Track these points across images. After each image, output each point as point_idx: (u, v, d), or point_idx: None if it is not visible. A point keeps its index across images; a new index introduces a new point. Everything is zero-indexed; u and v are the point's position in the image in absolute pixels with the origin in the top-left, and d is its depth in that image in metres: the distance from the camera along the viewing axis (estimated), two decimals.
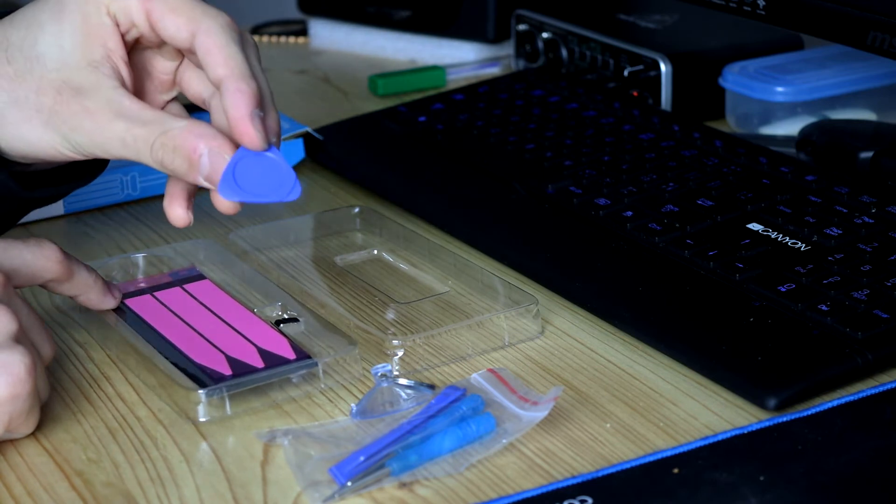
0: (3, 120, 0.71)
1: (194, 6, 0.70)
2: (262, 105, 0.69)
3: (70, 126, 0.70)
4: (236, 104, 0.68)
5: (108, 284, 0.77)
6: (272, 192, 0.69)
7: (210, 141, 0.68)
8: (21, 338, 0.66)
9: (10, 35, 0.72)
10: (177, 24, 0.70)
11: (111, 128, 0.69)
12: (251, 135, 0.68)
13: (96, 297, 0.76)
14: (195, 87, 0.75)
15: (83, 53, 0.70)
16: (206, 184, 0.70)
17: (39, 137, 0.71)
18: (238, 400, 0.70)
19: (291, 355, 0.72)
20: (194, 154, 0.68)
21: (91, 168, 0.78)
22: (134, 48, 0.74)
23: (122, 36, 0.72)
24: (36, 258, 0.71)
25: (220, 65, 0.68)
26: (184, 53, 0.74)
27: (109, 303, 0.77)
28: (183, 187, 0.74)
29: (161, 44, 0.73)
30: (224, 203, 0.71)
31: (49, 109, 0.70)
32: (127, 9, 0.71)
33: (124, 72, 0.71)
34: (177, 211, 0.74)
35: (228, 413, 0.69)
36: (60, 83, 0.70)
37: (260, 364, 0.71)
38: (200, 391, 0.69)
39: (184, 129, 0.69)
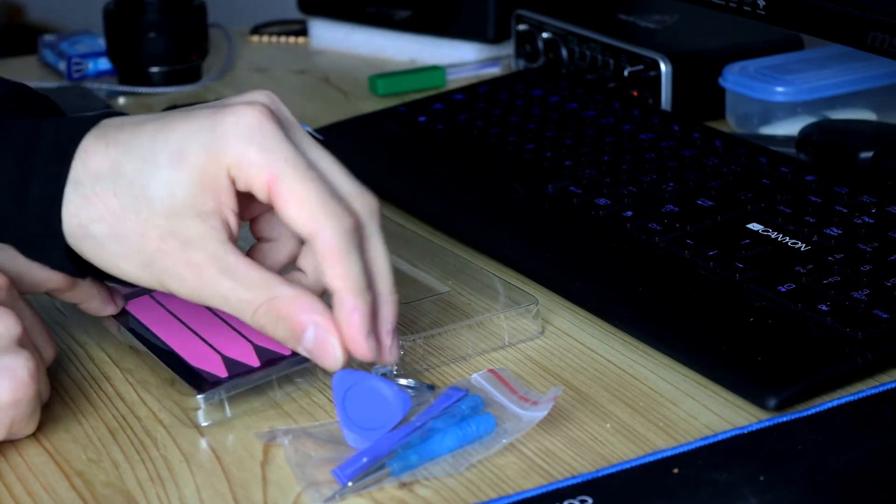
0: (101, 249, 0.67)
1: (322, 204, 0.65)
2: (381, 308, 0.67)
3: (170, 275, 0.66)
4: (351, 323, 0.65)
5: (110, 291, 0.76)
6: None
7: (318, 317, 0.65)
8: (24, 341, 0.66)
9: (124, 165, 0.66)
10: (300, 218, 0.65)
11: (215, 284, 0.65)
12: (367, 352, 0.65)
13: (98, 305, 0.75)
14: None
15: (194, 203, 0.65)
16: (305, 353, 0.66)
17: (136, 276, 0.67)
18: (237, 401, 0.70)
19: (287, 352, 0.72)
20: (299, 328, 0.65)
21: None
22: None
23: (237, 191, 0.67)
24: (40, 267, 0.70)
25: (337, 277, 0.65)
26: None
27: (111, 310, 0.76)
28: (290, 248, 0.71)
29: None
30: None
31: (151, 255, 0.65)
32: (249, 179, 0.65)
33: (234, 225, 0.66)
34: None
35: (228, 415, 0.69)
36: (167, 231, 0.65)
37: (256, 363, 0.71)
38: (199, 396, 0.68)
39: (291, 298, 0.65)
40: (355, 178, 0.69)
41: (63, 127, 0.67)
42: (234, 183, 0.66)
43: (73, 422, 0.70)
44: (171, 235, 0.65)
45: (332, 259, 0.64)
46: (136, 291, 0.80)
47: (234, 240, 0.67)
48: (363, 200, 0.68)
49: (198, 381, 0.70)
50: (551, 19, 1.21)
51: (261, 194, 0.65)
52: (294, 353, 0.72)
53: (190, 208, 0.65)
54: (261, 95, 0.69)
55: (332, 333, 0.65)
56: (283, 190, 0.64)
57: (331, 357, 0.65)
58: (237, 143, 0.65)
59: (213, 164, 0.65)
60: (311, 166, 0.66)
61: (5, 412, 0.65)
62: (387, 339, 0.67)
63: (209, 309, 0.77)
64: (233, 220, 0.66)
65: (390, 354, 0.67)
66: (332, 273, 0.64)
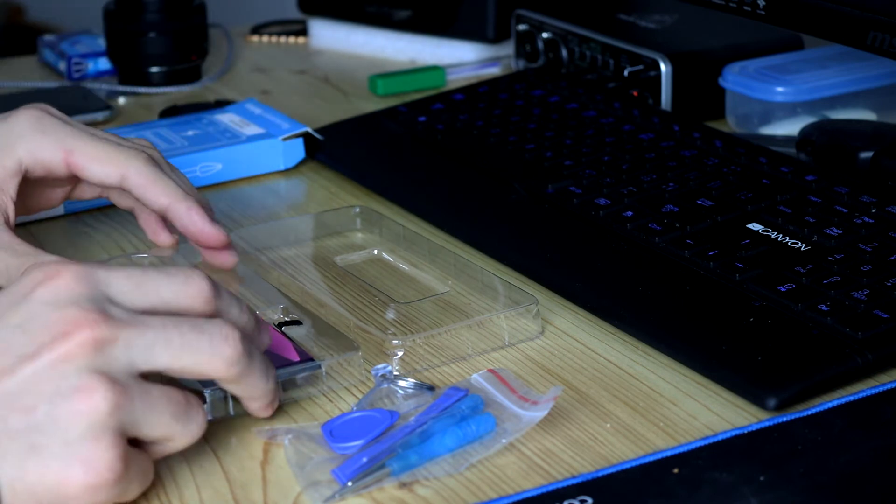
0: None
1: (117, 152, 0.77)
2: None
3: None
4: (193, 220, 0.77)
5: (258, 319, 0.68)
6: (371, 429, 0.68)
7: None
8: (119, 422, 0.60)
9: None
10: (105, 171, 0.77)
11: None
12: (215, 237, 0.78)
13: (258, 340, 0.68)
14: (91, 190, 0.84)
15: None
16: None
17: None
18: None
19: (295, 357, 0.72)
20: None
21: None
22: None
23: (24, 175, 0.78)
24: (179, 296, 0.63)
25: (159, 195, 0.77)
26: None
27: (265, 342, 0.69)
28: (153, 217, 0.83)
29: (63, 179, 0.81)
30: None
31: None
32: (45, 161, 0.77)
33: (10, 210, 0.77)
34: (161, 237, 0.83)
35: (231, 413, 0.69)
36: None
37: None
38: (206, 391, 0.68)
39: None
40: (128, 138, 0.82)
41: None
42: (24, 172, 0.77)
43: None
44: None
45: (149, 184, 0.76)
46: None
47: (10, 224, 0.77)
48: (143, 144, 0.81)
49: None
50: (551, 19, 1.21)
51: (61, 170, 0.77)
52: (302, 360, 0.72)
53: None
54: (33, 105, 0.80)
55: None
56: (79, 156, 0.76)
57: None
58: (26, 136, 0.77)
59: (8, 159, 0.77)
60: (94, 132, 0.78)
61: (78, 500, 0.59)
62: (214, 227, 0.79)
63: None
64: (10, 207, 0.77)
65: (224, 235, 0.79)
66: (155, 193, 0.76)
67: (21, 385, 0.58)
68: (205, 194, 1.00)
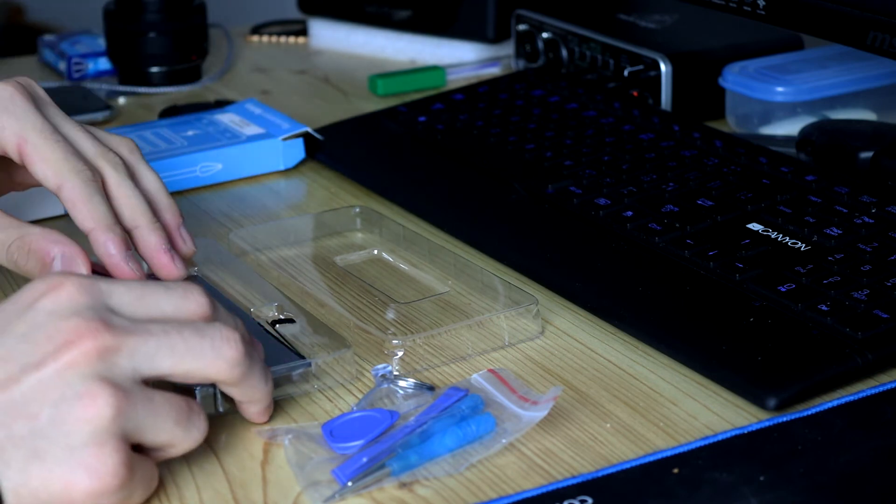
0: None
1: (63, 162, 0.74)
2: (135, 236, 0.75)
3: None
4: (109, 252, 0.73)
5: (252, 340, 0.68)
6: (371, 429, 0.68)
7: (64, 247, 0.72)
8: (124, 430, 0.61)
9: None
10: (45, 175, 0.74)
11: None
12: (131, 273, 0.73)
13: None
14: None
15: None
16: (60, 251, 0.72)
17: None
18: (230, 398, 0.69)
19: (286, 356, 0.72)
20: (47, 257, 0.72)
21: None
22: None
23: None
24: (179, 310, 0.64)
25: (86, 219, 0.73)
26: None
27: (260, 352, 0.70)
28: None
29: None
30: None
31: None
32: (3, 142, 0.75)
33: None
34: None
35: (220, 410, 0.69)
36: None
37: None
38: (196, 388, 0.69)
39: (39, 234, 0.72)
40: (107, 136, 0.79)
41: None
42: None
43: None
44: None
45: (78, 204, 0.73)
46: None
47: None
48: (110, 155, 0.76)
49: None
50: (551, 19, 1.21)
51: (14, 156, 0.75)
52: (292, 358, 0.72)
53: None
54: (17, 78, 0.77)
55: (78, 256, 0.72)
56: (30, 151, 0.74)
57: (77, 269, 0.71)
58: None
59: None
60: (56, 131, 0.75)
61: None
62: (164, 257, 0.75)
63: None
64: None
65: (176, 269, 0.75)
66: (81, 216, 0.73)
67: (25, 393, 0.58)
68: (205, 194, 1.00)
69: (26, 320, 0.60)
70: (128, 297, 0.62)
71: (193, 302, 0.64)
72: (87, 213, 0.73)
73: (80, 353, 0.59)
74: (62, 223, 0.95)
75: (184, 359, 0.62)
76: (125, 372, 0.60)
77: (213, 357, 0.63)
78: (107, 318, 0.60)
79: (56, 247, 0.72)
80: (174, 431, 0.62)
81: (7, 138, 0.74)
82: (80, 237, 0.93)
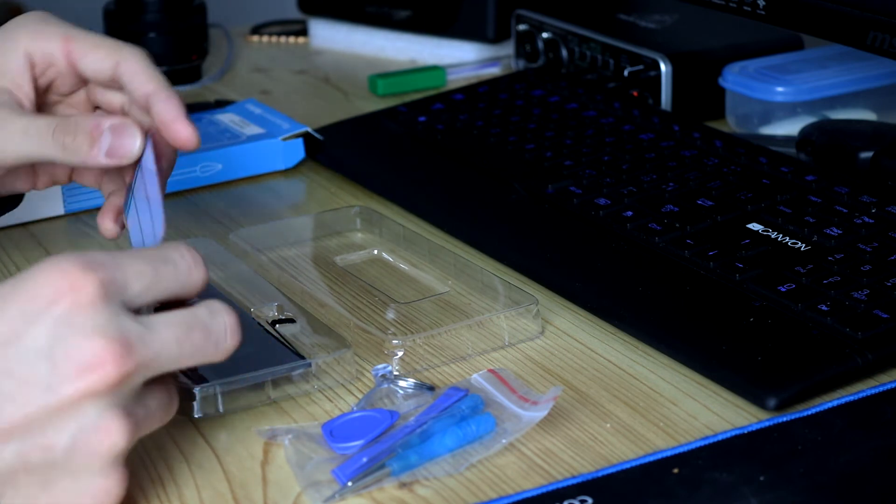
0: None
1: (112, 41, 0.77)
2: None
3: None
4: (168, 109, 0.73)
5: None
6: (371, 429, 0.68)
7: (111, 120, 0.73)
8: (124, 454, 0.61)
9: None
10: (99, 58, 0.76)
11: (12, 123, 0.74)
12: (187, 132, 0.73)
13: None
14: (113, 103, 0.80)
15: None
16: (108, 162, 0.72)
17: None
18: (231, 398, 0.70)
19: (286, 356, 0.72)
20: (96, 130, 0.72)
21: None
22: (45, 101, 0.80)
23: (35, 79, 0.78)
24: (185, 286, 0.64)
25: (146, 82, 0.75)
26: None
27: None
28: (114, 205, 0.79)
29: (69, 91, 0.80)
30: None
31: None
32: (46, 49, 0.77)
33: (27, 92, 0.77)
34: (107, 224, 0.79)
35: (221, 410, 0.69)
36: None
37: (254, 364, 0.71)
38: (195, 388, 0.69)
39: (84, 116, 0.74)
40: None
41: None
42: (33, 67, 0.77)
43: None
44: None
45: (140, 70, 0.75)
46: None
47: (22, 103, 0.77)
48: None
49: (194, 372, 0.70)
50: (551, 19, 1.21)
51: (60, 57, 0.77)
52: (293, 357, 0.72)
53: None
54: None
55: (128, 123, 0.73)
56: (79, 44, 0.76)
57: (130, 137, 0.72)
58: (29, 26, 0.78)
59: (10, 43, 0.77)
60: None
61: None
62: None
63: None
64: (26, 104, 0.77)
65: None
66: (146, 79, 0.75)
67: (44, 422, 0.58)
68: (205, 194, 1.00)
69: (46, 329, 0.58)
70: (141, 283, 0.61)
71: (197, 276, 0.64)
72: (151, 76, 0.75)
73: (101, 381, 0.58)
74: (63, 223, 0.95)
75: (189, 362, 0.62)
76: (136, 388, 0.60)
77: (214, 353, 0.63)
78: (127, 335, 0.59)
79: (105, 120, 0.72)
80: (163, 420, 0.63)
81: (52, 45, 0.76)
82: (80, 237, 0.93)
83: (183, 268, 0.63)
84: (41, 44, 0.77)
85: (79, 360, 0.57)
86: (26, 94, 0.77)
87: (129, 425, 0.59)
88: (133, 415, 0.60)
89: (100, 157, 0.72)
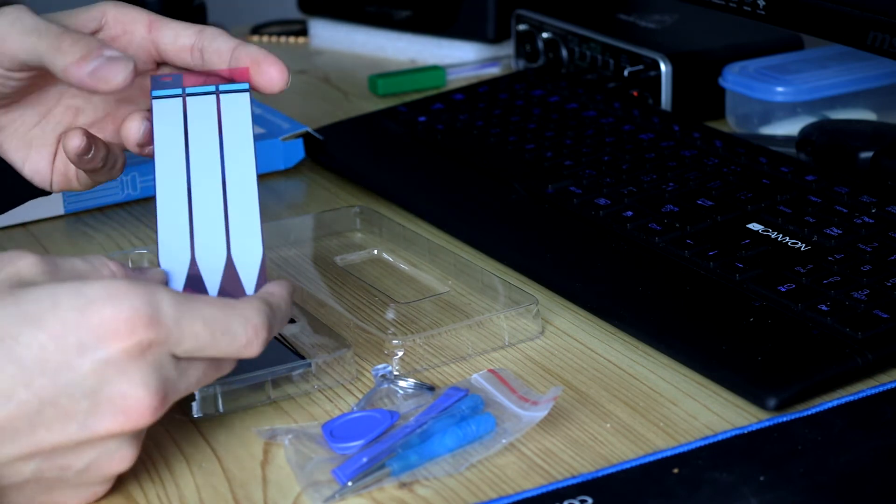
0: None
1: (186, 24, 0.77)
2: None
3: None
4: (258, 51, 0.78)
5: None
6: (371, 429, 0.68)
7: (114, 52, 0.70)
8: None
9: None
10: (180, 27, 0.76)
11: (28, 18, 0.71)
12: (278, 67, 0.79)
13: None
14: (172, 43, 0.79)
15: None
16: (89, 81, 0.69)
17: None
18: (231, 397, 0.70)
19: (286, 356, 0.72)
20: (96, 51, 0.70)
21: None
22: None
23: (94, 32, 0.76)
24: (237, 349, 0.64)
25: (228, 40, 0.76)
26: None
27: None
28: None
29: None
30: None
31: None
32: (135, 25, 0.77)
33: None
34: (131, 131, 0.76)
35: (221, 410, 0.69)
36: None
37: (253, 363, 0.71)
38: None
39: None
40: None
41: None
42: (104, 23, 0.76)
43: None
44: None
45: (217, 35, 0.76)
46: None
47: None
48: None
49: None
50: (551, 19, 1.21)
51: (142, 29, 0.77)
52: (293, 357, 0.72)
53: None
54: None
55: (126, 59, 0.70)
56: (163, 23, 0.77)
57: (121, 70, 0.69)
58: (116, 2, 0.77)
59: (94, 9, 0.76)
60: None
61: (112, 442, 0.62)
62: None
63: None
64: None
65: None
66: (223, 41, 0.76)
67: (70, 448, 0.60)
68: None
69: (95, 366, 0.59)
70: (192, 345, 0.61)
71: (249, 353, 0.64)
72: (227, 38, 0.76)
73: (132, 425, 0.60)
74: (63, 223, 0.95)
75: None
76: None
77: (231, 364, 0.65)
78: (165, 386, 0.61)
79: (108, 49, 0.70)
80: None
81: (138, 23, 0.77)
82: (80, 237, 0.93)
83: (239, 344, 0.63)
84: (132, 22, 0.77)
85: (118, 406, 0.59)
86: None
87: (138, 450, 0.62)
88: (140, 438, 0.63)
89: (83, 73, 0.69)
